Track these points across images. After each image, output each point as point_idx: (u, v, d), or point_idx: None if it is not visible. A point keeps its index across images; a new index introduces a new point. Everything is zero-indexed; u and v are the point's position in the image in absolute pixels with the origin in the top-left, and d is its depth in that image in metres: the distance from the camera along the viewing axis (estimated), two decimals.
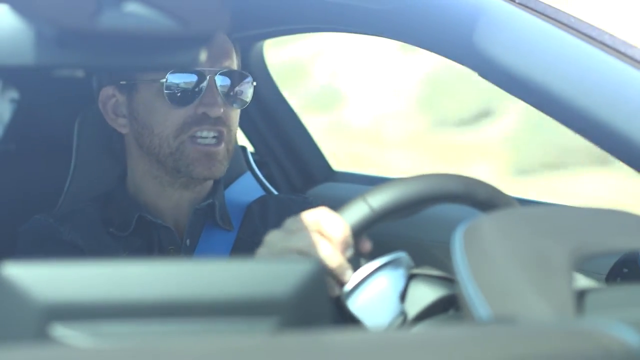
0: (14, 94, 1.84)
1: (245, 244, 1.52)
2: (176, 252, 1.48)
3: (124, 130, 1.52)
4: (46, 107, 1.87)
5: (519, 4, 1.36)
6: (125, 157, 1.55)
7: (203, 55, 0.83)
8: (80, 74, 0.90)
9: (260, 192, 1.81)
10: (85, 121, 1.66)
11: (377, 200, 1.09)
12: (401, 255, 1.09)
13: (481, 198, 1.09)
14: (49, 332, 0.69)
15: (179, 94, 1.43)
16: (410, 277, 1.09)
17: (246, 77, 1.49)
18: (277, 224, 1.55)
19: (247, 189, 1.75)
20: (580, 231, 0.87)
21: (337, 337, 0.70)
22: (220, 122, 1.45)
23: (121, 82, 1.49)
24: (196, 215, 1.51)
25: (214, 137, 1.45)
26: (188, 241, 1.50)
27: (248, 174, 1.83)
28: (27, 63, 0.81)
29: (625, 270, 1.37)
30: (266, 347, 0.66)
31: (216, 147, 1.45)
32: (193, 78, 1.43)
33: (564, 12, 1.35)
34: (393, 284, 1.07)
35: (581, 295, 0.82)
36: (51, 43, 0.77)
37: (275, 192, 1.93)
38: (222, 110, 1.44)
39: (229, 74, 1.46)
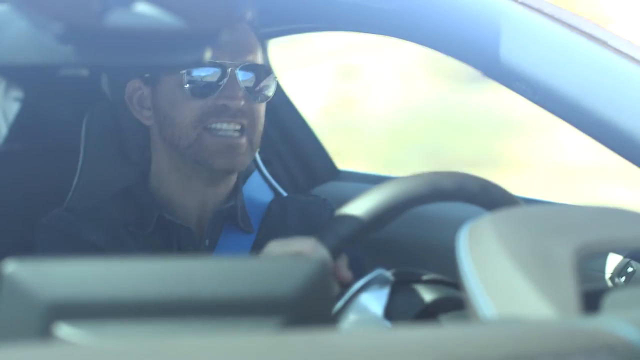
0: (19, 92, 1.85)
1: (264, 245, 1.51)
2: (195, 253, 1.49)
3: (148, 122, 1.53)
4: (51, 106, 1.87)
5: (525, 4, 1.36)
6: (149, 151, 1.56)
7: (208, 54, 0.83)
8: (85, 72, 0.90)
9: (268, 191, 1.81)
10: (93, 119, 1.66)
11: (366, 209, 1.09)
12: (379, 272, 1.10)
13: (478, 194, 1.10)
14: (52, 331, 0.69)
15: (199, 87, 1.45)
16: (392, 290, 1.09)
17: (269, 71, 1.50)
18: (297, 225, 1.56)
19: (257, 188, 1.75)
20: (584, 230, 0.87)
21: (341, 337, 0.70)
22: (240, 114, 1.45)
23: (145, 75, 1.50)
24: (217, 217, 1.52)
25: (235, 130, 1.46)
26: (207, 241, 1.50)
27: (256, 172, 1.84)
28: (33, 62, 0.81)
29: (630, 269, 1.38)
30: (269, 347, 0.66)
31: (238, 140, 1.45)
32: (215, 71, 1.45)
33: (569, 13, 1.35)
34: (375, 302, 1.08)
35: (586, 295, 0.82)
36: (57, 41, 0.77)
37: (282, 191, 1.93)
38: (242, 102, 1.45)
39: (251, 67, 1.47)
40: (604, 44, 1.29)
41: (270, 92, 1.50)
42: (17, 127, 1.84)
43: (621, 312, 0.79)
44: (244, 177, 1.72)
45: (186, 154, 1.47)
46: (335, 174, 2.18)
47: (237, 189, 1.55)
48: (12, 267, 0.70)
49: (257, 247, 1.52)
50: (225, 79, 1.44)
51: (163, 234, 1.49)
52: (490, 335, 0.71)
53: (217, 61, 1.44)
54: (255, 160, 1.95)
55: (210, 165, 1.46)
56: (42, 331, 0.69)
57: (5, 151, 1.82)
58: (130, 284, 0.71)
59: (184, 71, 1.44)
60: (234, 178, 1.54)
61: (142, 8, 0.78)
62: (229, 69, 1.45)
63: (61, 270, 0.71)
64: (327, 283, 0.75)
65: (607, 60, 1.28)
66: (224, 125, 1.45)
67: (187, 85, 1.44)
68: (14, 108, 1.85)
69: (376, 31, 1.61)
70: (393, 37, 1.54)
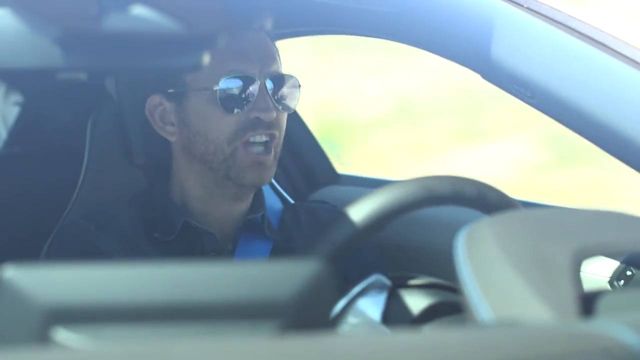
0: (18, 96, 1.85)
1: (283, 250, 1.53)
2: (218, 258, 1.49)
3: (172, 138, 1.51)
4: (51, 109, 1.87)
5: (524, 7, 1.36)
6: (170, 164, 1.54)
7: (206, 58, 0.83)
8: (84, 76, 0.90)
9: (275, 197, 1.82)
10: (98, 122, 1.64)
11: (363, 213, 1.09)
12: (376, 277, 1.10)
13: (487, 199, 1.10)
14: (51, 335, 0.69)
15: (231, 100, 1.44)
16: (390, 295, 1.09)
17: (293, 80, 1.49)
18: (310, 231, 1.57)
19: (267, 195, 1.76)
20: (582, 233, 0.87)
21: (340, 341, 0.70)
22: (272, 125, 1.45)
23: (169, 91, 1.49)
24: (245, 226, 1.52)
25: (265, 142, 1.45)
26: (230, 247, 1.50)
27: None
28: (31, 65, 0.81)
29: (629, 272, 1.38)
30: (268, 351, 0.66)
31: (266, 155, 1.45)
32: (245, 83, 1.44)
33: (568, 15, 1.35)
34: (373, 307, 1.08)
35: (584, 298, 0.82)
36: (55, 45, 0.77)
37: (288, 197, 1.95)
38: (274, 114, 1.44)
39: (277, 77, 1.47)
40: (603, 46, 1.29)
41: (295, 100, 1.50)
42: (17, 130, 1.84)
43: (619, 316, 0.79)
44: None
45: (218, 169, 1.47)
46: (335, 177, 2.18)
47: (262, 199, 1.55)
48: (11, 271, 0.70)
49: (275, 252, 1.53)
50: (256, 91, 1.44)
51: (187, 239, 1.48)
52: (488, 339, 0.71)
53: (248, 74, 1.44)
54: None
55: (241, 180, 1.46)
56: (40, 335, 0.69)
57: (4, 155, 1.82)
58: (128, 288, 0.71)
59: (215, 87, 1.43)
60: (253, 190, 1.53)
61: (140, 12, 0.78)
62: (259, 80, 1.44)
63: (59, 275, 0.71)
64: (326, 287, 0.75)
65: (606, 63, 1.28)
66: (258, 138, 1.45)
67: (220, 99, 1.43)
68: (13, 112, 1.85)
69: (375, 34, 1.61)
70: (390, 40, 1.54)
